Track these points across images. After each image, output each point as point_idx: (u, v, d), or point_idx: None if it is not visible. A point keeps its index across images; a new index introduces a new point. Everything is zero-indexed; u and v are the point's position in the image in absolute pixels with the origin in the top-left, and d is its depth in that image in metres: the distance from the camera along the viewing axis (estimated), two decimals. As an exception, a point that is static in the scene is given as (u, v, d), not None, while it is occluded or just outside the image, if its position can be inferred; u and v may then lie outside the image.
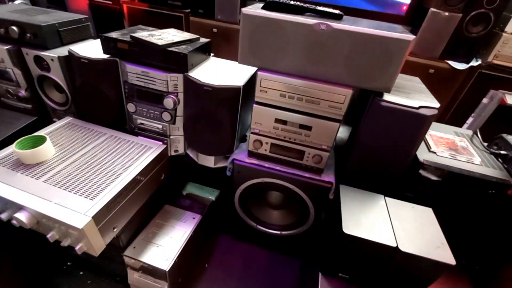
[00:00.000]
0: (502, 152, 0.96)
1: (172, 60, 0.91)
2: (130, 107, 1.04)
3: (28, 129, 1.03)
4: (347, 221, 0.74)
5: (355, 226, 0.73)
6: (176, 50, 0.90)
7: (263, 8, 0.82)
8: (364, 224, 0.74)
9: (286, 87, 0.85)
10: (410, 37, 0.71)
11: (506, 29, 1.48)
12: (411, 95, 0.87)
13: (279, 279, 1.20)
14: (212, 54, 1.13)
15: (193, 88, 0.93)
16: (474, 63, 1.61)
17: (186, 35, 1.02)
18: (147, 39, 0.91)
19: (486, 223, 0.95)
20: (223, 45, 1.83)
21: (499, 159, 0.97)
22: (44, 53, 1.02)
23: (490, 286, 1.02)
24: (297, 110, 0.88)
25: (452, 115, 1.67)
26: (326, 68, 0.80)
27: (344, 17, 0.84)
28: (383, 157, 0.88)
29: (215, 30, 1.82)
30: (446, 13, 1.49)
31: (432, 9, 1.50)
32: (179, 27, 1.87)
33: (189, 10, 1.84)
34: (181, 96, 0.98)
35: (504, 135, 1.03)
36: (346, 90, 0.81)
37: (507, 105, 1.50)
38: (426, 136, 1.04)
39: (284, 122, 0.91)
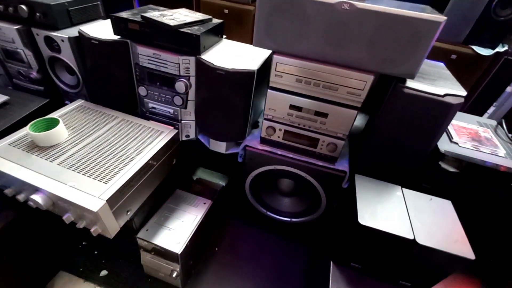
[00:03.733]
0: (529, 144, 0.91)
1: (184, 41, 0.88)
2: (141, 91, 1.02)
3: (40, 111, 1.03)
4: (362, 211, 0.73)
5: (371, 217, 0.71)
6: (189, 31, 0.87)
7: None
8: (380, 215, 0.72)
9: (303, 71, 0.81)
10: (441, 18, 0.66)
11: (539, 12, 1.38)
12: (436, 82, 0.82)
13: (287, 265, 1.22)
14: (224, 36, 1.09)
15: (206, 72, 0.90)
16: (500, 49, 1.51)
17: (198, 16, 0.98)
18: (159, 19, 0.87)
19: (506, 217, 0.92)
20: (234, 27, 1.77)
21: (525, 152, 0.92)
22: (55, 34, 1.00)
23: (501, 281, 1.00)
24: (313, 96, 0.85)
25: (473, 103, 1.60)
26: (347, 52, 0.75)
27: (368, -4, 0.78)
28: (402, 147, 0.84)
29: (226, 11, 1.75)
30: (475, -6, 1.39)
31: (460, -11, 1.40)
32: (188, 6, 1.81)
33: (199, -10, 1.77)
34: (193, 80, 0.96)
35: (531, 126, 0.97)
36: (367, 75, 0.77)
37: (533, 94, 1.43)
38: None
39: (299, 109, 0.88)
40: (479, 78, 1.56)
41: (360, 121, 1.14)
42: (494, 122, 1.05)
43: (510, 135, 0.98)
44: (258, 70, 0.88)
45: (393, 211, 0.74)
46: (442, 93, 0.76)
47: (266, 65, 0.94)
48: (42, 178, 0.75)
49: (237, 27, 1.76)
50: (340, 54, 0.76)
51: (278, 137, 0.97)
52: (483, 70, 1.54)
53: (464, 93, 0.78)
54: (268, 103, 0.90)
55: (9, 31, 1.04)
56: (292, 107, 0.89)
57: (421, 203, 0.78)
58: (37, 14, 1.00)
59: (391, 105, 0.80)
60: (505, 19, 1.47)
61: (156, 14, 0.92)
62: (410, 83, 0.78)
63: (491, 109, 1.57)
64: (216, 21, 1.01)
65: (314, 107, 0.86)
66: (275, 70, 0.84)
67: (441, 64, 0.98)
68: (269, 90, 0.88)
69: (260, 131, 1.00)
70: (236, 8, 1.73)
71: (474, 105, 1.59)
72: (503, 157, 0.86)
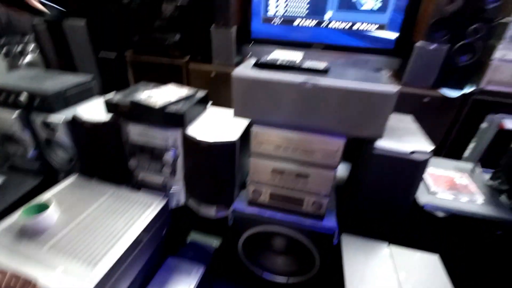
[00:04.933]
0: (504, 187, 0.95)
1: (170, 119, 0.96)
2: (132, 163, 1.08)
3: (35, 190, 1.07)
4: (351, 279, 0.73)
5: (359, 284, 0.71)
6: (174, 110, 0.95)
7: (254, 66, 0.88)
8: (369, 281, 0.72)
9: (280, 139, 0.88)
10: (393, 91, 0.74)
11: (493, 57, 1.52)
12: (403, 137, 0.89)
13: (289, 330, 1.14)
14: (210, 102, 1.18)
15: (191, 144, 0.96)
16: (468, 90, 1.63)
17: (184, 92, 1.08)
18: (146, 102, 0.96)
19: (496, 267, 0.91)
20: (221, 87, 1.91)
21: (503, 195, 0.95)
22: (51, 119, 1.08)
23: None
24: (293, 160, 0.90)
25: (450, 145, 1.67)
26: (317, 120, 0.83)
27: (332, 68, 0.88)
28: (383, 203, 0.87)
29: (213, 74, 1.91)
30: (432, 46, 1.55)
31: (418, 44, 1.56)
32: (179, 75, 1.98)
33: (188, 57, 1.95)
34: (180, 150, 1.02)
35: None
36: (338, 141, 0.83)
37: (505, 130, 1.50)
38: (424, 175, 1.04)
39: (281, 172, 0.93)
40: (453, 119, 1.66)
41: (344, 171, 1.19)
42: (470, 165, 1.10)
43: (486, 177, 1.02)
44: (240, 138, 0.95)
45: (382, 274, 0.74)
46: (409, 151, 0.81)
47: (248, 130, 1.01)
48: (32, 265, 0.75)
49: (224, 88, 1.90)
50: (311, 122, 0.83)
51: (265, 199, 1.00)
52: (455, 112, 1.65)
53: (430, 148, 0.84)
54: (252, 169, 0.95)
55: (8, 117, 1.12)
56: (274, 171, 0.93)
57: (409, 261, 0.79)
58: (36, 101, 1.09)
59: (364, 164, 0.85)
60: (466, 63, 1.61)
61: (145, 95, 1.02)
62: (379, 142, 0.84)
63: (471, 145, 1.63)
64: (201, 93, 1.11)
65: (295, 170, 0.91)
66: (255, 139, 0.90)
67: (408, 117, 1.06)
68: (251, 158, 0.93)
69: (247, 194, 1.03)
70: (222, 71, 1.89)
71: (453, 147, 1.66)
72: (481, 204, 0.89)
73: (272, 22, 1.83)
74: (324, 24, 1.75)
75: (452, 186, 0.96)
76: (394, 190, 0.84)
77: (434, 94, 1.64)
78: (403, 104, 1.43)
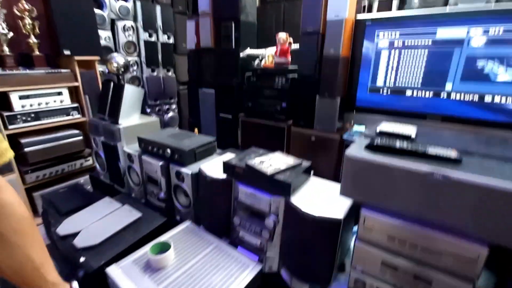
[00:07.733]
0: None
1: (277, 186, 1.02)
2: (236, 220, 1.17)
3: (159, 228, 1.29)
4: None
5: None
6: (282, 178, 1.01)
7: (366, 147, 0.86)
8: None
9: (395, 230, 0.78)
10: None
11: None
12: None
13: None
14: (312, 172, 1.20)
15: (293, 214, 0.98)
16: None
17: (290, 161, 1.14)
18: (258, 167, 1.07)
19: None
20: (319, 151, 1.94)
21: None
22: (183, 170, 1.34)
23: None
24: (411, 257, 0.77)
25: None
26: (446, 218, 0.71)
27: (465, 158, 0.77)
28: None
29: (313, 138, 1.98)
30: None
31: None
32: (282, 137, 2.15)
33: (291, 121, 2.12)
34: (281, 217, 1.04)
35: None
36: (479, 248, 0.67)
37: None
38: None
39: (394, 268, 0.81)
40: None
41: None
42: None
43: None
44: (345, 216, 0.90)
45: None
46: None
47: (353, 209, 0.95)
48: (148, 303, 0.87)
49: (323, 154, 1.92)
50: (439, 218, 0.72)
51: (369, 293, 0.87)
52: None
53: None
54: (356, 255, 0.87)
55: (156, 164, 1.45)
56: (385, 264, 0.82)
57: None
58: (176, 155, 1.39)
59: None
60: None
61: (257, 161, 1.14)
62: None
63: None
64: (305, 164, 1.15)
65: (412, 270, 0.77)
66: (363, 224, 0.84)
67: None
68: (356, 243, 0.86)
69: (348, 280, 0.92)
70: (321, 136, 1.94)
71: None
72: None
73: (380, 92, 1.81)
74: (442, 95, 1.61)
75: None
76: None
77: None
78: None
